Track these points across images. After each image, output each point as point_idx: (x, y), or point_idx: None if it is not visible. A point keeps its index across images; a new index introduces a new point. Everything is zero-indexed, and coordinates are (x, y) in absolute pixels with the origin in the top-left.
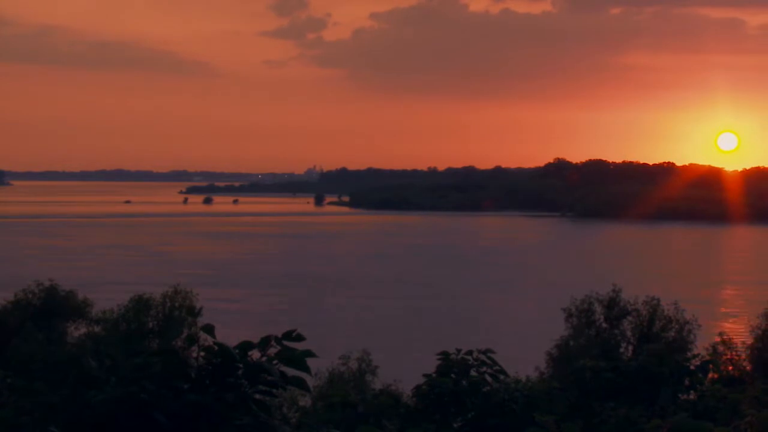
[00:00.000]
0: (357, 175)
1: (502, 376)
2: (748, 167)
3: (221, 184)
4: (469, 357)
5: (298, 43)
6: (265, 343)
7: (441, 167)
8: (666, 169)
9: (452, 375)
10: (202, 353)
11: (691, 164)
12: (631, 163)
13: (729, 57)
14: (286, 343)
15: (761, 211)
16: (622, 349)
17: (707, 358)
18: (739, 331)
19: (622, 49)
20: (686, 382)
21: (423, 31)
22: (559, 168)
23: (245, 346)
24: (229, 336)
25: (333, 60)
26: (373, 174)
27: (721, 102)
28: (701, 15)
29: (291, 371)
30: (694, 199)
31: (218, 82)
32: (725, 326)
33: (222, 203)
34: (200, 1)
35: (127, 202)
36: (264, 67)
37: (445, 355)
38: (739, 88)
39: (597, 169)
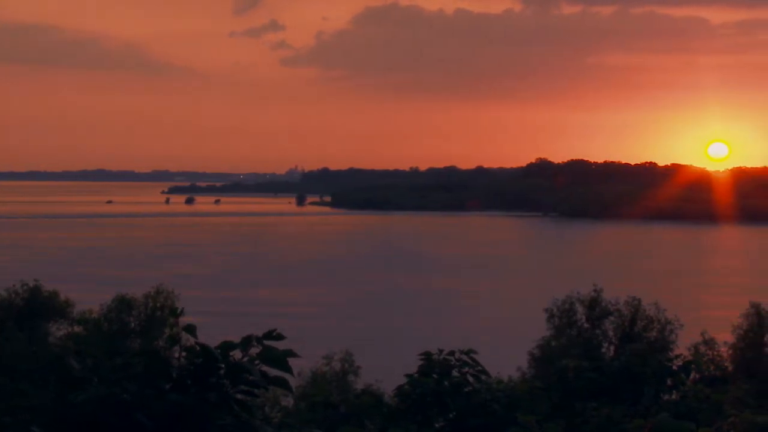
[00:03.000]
0: (339, 175)
1: (484, 377)
2: (730, 167)
3: (203, 184)
4: (451, 357)
5: (267, 44)
6: (246, 342)
7: (423, 167)
8: (648, 169)
9: (434, 375)
10: (183, 353)
11: (673, 164)
12: (613, 163)
13: (703, 56)
14: (267, 342)
15: (746, 211)
16: (603, 349)
17: (690, 358)
18: (722, 331)
19: (599, 49)
20: (669, 382)
21: (389, 31)
22: (541, 168)
23: (227, 346)
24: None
25: (309, 61)
26: (354, 174)
27: (700, 101)
28: (664, 14)
29: (273, 371)
30: (678, 198)
31: (196, 82)
32: (707, 326)
33: (204, 203)
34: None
35: (109, 202)
36: (239, 67)
37: (427, 356)
38: (717, 87)
39: (579, 169)
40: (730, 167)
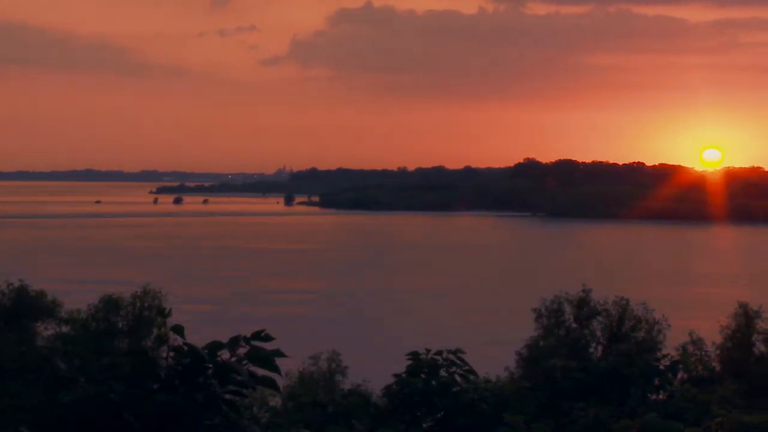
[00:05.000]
0: (327, 175)
1: (471, 376)
2: (719, 168)
3: (191, 184)
4: (439, 357)
5: (246, 44)
6: (234, 343)
7: (411, 167)
8: (636, 169)
9: (422, 375)
10: (171, 353)
11: (661, 164)
12: (600, 162)
13: (684, 57)
14: (254, 343)
15: (735, 210)
16: (591, 349)
17: (677, 358)
18: (709, 331)
19: (583, 49)
20: (656, 382)
21: (370, 32)
22: (529, 168)
23: (215, 347)
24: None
25: (293, 61)
26: (343, 174)
27: (685, 101)
28: (637, 13)
29: (261, 371)
30: (667, 198)
31: (184, 82)
32: (695, 326)
33: (192, 203)
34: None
35: (98, 202)
36: (222, 67)
37: (414, 356)
38: (699, 88)
39: (567, 168)
40: (719, 168)
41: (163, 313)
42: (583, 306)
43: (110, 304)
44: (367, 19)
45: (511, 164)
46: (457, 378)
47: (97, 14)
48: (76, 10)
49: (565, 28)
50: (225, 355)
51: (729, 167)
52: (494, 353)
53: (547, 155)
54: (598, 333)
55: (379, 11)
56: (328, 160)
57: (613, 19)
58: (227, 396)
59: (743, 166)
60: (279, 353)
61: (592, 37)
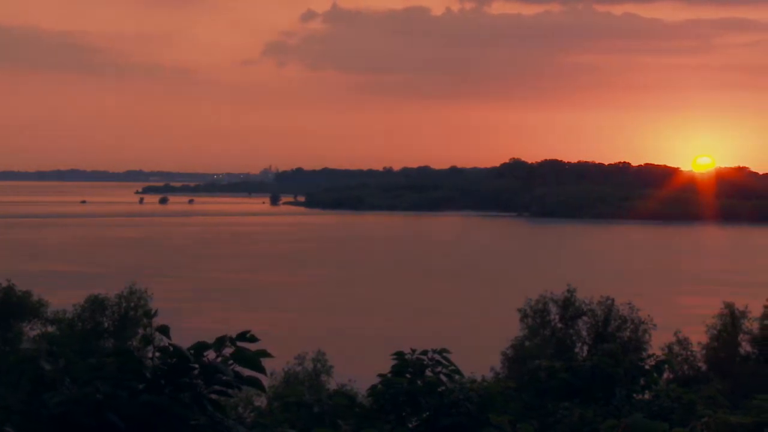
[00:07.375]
0: (312, 175)
1: (457, 376)
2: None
3: (177, 184)
4: (425, 357)
5: (229, 44)
6: (220, 343)
7: (396, 167)
8: (622, 169)
9: (407, 375)
10: (157, 354)
11: (646, 164)
12: (586, 162)
13: (659, 57)
14: (239, 343)
15: (720, 210)
16: (577, 349)
17: (663, 357)
18: (695, 331)
19: (567, 48)
20: (641, 382)
21: (340, 32)
22: (515, 167)
23: (200, 347)
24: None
25: (269, 62)
26: (328, 174)
27: (670, 101)
28: (604, 12)
29: (246, 371)
30: (652, 198)
31: (164, 82)
32: (681, 326)
33: (178, 203)
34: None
35: (83, 202)
36: (204, 68)
37: (399, 355)
38: (682, 87)
39: (553, 168)
40: (709, 171)
41: (149, 314)
42: (569, 306)
43: (96, 304)
44: (336, 20)
45: (497, 164)
46: (443, 378)
47: (83, 13)
48: (53, 9)
49: (541, 27)
50: (211, 355)
51: (716, 167)
52: (480, 353)
53: (533, 155)
54: (584, 333)
55: (347, 12)
56: (314, 160)
57: (584, 17)
58: (213, 396)
59: (729, 166)
60: (264, 353)
61: (571, 37)
